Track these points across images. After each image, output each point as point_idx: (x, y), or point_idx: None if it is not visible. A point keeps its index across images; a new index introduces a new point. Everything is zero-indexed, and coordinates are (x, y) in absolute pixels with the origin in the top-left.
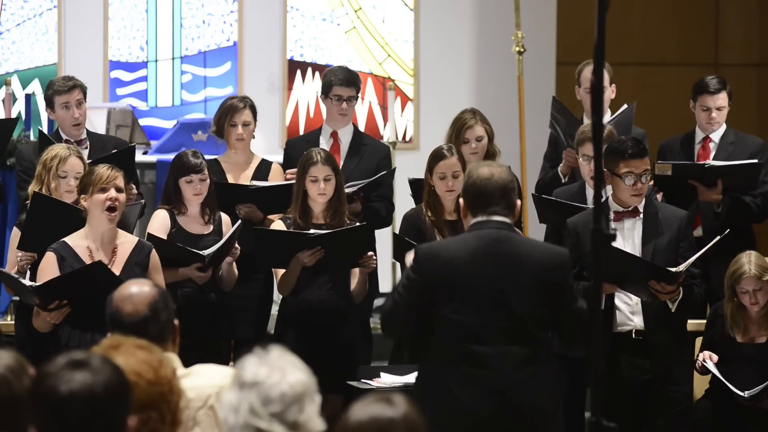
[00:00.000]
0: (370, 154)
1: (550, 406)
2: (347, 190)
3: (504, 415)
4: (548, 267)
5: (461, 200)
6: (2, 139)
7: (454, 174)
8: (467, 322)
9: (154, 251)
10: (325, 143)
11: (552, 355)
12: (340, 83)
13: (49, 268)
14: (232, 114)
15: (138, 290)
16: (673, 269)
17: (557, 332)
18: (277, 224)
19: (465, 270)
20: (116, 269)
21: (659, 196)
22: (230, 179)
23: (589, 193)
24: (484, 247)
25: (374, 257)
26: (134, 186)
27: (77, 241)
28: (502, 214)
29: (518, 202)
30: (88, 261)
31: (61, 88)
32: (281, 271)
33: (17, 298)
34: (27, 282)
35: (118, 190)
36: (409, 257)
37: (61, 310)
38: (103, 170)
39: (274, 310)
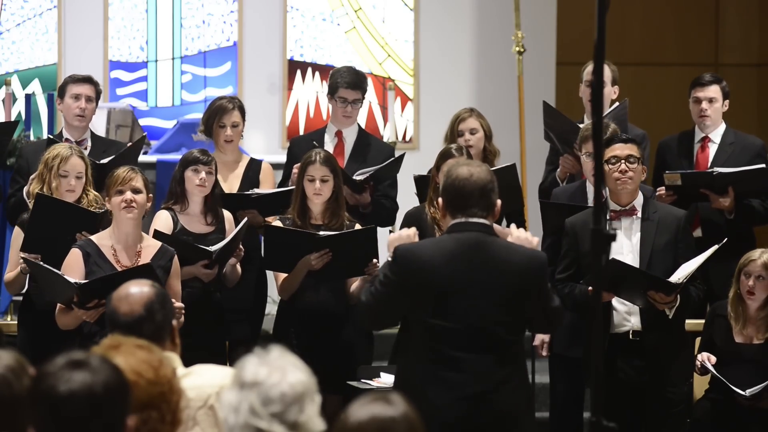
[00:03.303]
0: (374, 155)
1: (523, 409)
2: (358, 178)
3: (477, 419)
4: (526, 272)
5: (440, 200)
6: (2, 142)
7: None
8: (442, 326)
9: (176, 257)
10: (329, 142)
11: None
12: (346, 86)
13: (75, 263)
14: (221, 115)
15: (135, 290)
16: (673, 281)
17: (535, 326)
18: (276, 224)
19: (442, 274)
20: None
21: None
22: (220, 179)
23: (590, 191)
24: (462, 252)
25: (378, 265)
26: None
27: (102, 240)
28: (480, 216)
29: (498, 201)
30: (112, 260)
31: (77, 77)
32: (282, 275)
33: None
34: (71, 279)
35: (135, 191)
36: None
37: (98, 309)
38: (120, 172)
39: (269, 309)
